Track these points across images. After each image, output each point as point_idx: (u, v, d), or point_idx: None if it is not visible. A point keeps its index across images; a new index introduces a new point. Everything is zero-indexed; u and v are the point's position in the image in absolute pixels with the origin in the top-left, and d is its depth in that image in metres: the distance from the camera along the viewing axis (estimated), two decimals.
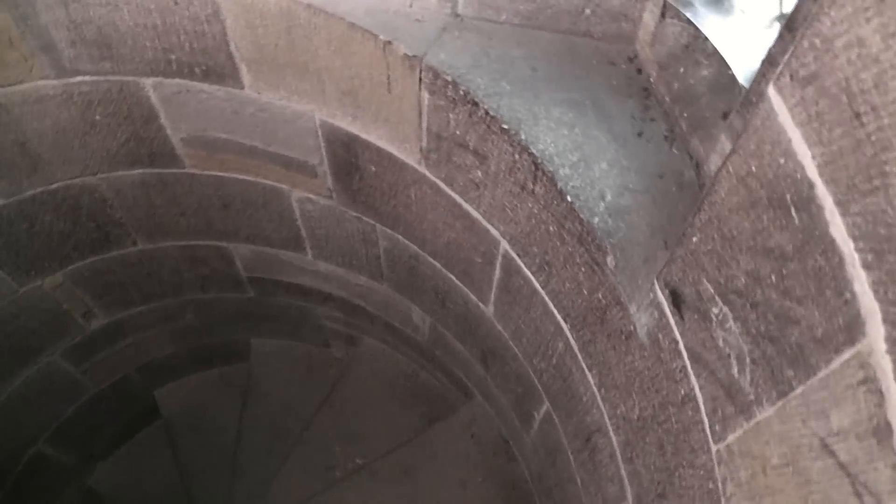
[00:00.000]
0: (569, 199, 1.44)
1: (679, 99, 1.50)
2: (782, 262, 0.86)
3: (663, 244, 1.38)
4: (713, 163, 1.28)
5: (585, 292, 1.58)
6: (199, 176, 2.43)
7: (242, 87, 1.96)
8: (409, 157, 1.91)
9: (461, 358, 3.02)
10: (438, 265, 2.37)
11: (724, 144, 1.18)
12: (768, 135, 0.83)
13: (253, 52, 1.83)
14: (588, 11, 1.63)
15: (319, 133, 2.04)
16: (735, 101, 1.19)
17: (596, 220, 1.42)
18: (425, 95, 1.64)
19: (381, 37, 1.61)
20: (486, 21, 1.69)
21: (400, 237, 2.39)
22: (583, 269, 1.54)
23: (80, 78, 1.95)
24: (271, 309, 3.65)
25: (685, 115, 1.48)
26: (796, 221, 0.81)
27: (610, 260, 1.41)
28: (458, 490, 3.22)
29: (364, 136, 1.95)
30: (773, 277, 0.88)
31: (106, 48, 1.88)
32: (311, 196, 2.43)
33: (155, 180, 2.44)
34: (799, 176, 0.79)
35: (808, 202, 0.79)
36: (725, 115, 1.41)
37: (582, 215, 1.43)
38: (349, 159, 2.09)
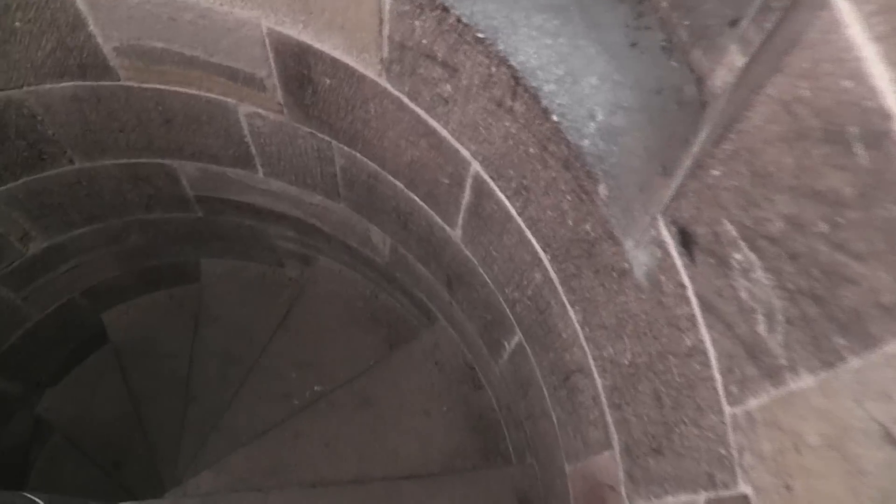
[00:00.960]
0: (554, 118, 1.27)
1: (678, 5, 1.32)
2: (837, 209, 0.70)
3: (661, 169, 1.22)
4: (719, 77, 1.12)
5: (570, 223, 1.43)
6: (137, 89, 2.22)
7: None
8: (368, 68, 1.72)
9: (424, 281, 2.87)
10: (400, 185, 2.20)
11: (735, 57, 1.03)
12: (829, 51, 0.66)
13: None
14: None
15: (267, 42, 1.84)
16: (746, 7, 1.03)
17: (585, 142, 1.26)
18: None
19: None
20: None
21: (358, 155, 2.21)
22: (568, 196, 1.38)
23: None
24: (221, 229, 3.47)
25: (685, 22, 1.30)
26: (862, 160, 0.66)
27: (602, 189, 1.25)
28: (422, 419, 3.10)
29: (317, 45, 1.75)
30: (824, 226, 0.73)
31: None
32: (260, 111, 2.23)
33: (88, 94, 2.23)
34: (871, 104, 0.63)
35: (880, 137, 0.63)
36: (734, 23, 1.24)
37: (569, 137, 1.27)
38: (301, 71, 1.90)
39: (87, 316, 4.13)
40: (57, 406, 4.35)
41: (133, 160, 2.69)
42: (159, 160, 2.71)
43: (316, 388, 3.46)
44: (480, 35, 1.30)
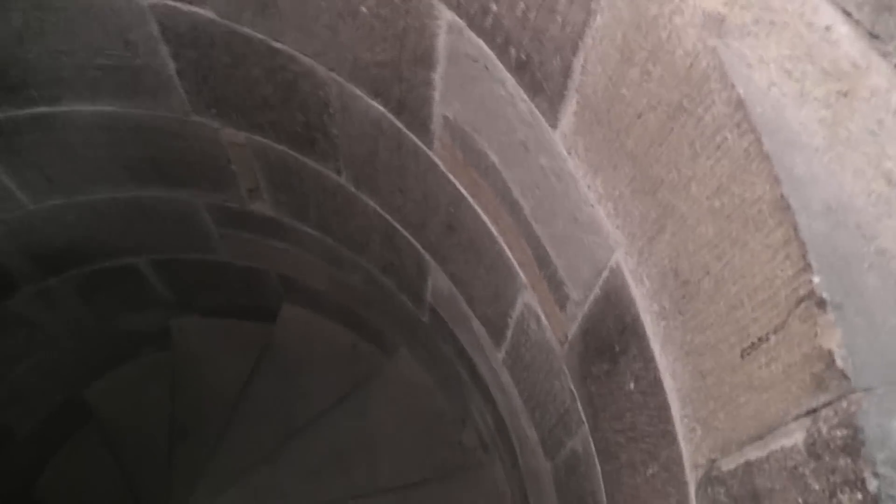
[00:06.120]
0: None
1: None
2: None
3: None
4: None
5: None
6: (440, 172, 1.64)
7: (554, 125, 1.12)
8: (687, 443, 1.02)
9: None
10: None
11: None
12: None
13: (601, 95, 0.98)
14: None
15: (604, 276, 1.18)
16: None
17: None
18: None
19: (825, 297, 0.69)
20: None
21: (598, 465, 1.51)
22: None
23: None
24: (435, 349, 2.90)
25: None
26: None
27: None
28: None
29: (656, 347, 1.07)
30: None
31: None
32: (541, 315, 1.58)
33: (392, 133, 1.69)
34: None
35: None
36: None
37: None
38: (612, 343, 1.23)
39: (271, 295, 3.81)
40: (191, 333, 4.16)
41: (396, 224, 2.15)
42: (420, 248, 2.15)
43: None
44: None
